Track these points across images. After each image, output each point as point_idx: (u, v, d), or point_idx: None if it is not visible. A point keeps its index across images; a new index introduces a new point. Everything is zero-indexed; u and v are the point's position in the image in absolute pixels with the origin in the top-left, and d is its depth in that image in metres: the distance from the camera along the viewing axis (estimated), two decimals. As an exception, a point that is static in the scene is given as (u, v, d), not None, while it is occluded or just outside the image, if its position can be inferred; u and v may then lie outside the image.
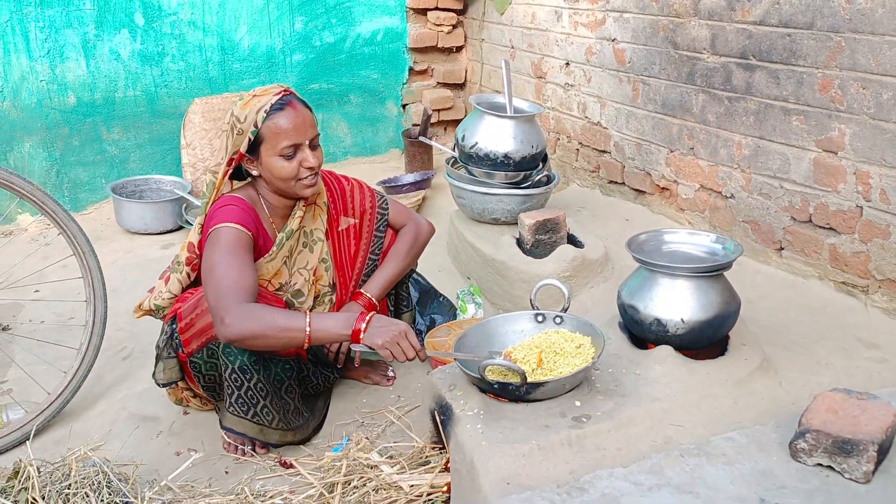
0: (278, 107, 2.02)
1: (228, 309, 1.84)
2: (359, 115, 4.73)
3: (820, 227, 2.55)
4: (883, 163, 2.29)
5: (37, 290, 3.19)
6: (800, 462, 1.56)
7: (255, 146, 2.05)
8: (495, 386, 1.82)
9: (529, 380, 1.80)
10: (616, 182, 3.59)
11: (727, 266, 2.01)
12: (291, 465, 2.10)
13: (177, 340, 2.09)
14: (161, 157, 4.22)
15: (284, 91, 2.06)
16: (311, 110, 2.11)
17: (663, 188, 3.28)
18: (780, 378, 2.06)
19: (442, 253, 3.38)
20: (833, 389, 1.67)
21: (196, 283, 2.22)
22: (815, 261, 2.59)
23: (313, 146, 2.09)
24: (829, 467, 1.53)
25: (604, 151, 3.63)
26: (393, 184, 4.16)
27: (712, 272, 1.99)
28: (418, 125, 4.58)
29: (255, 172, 2.11)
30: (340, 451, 2.13)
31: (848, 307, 2.47)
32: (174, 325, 2.10)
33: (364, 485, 1.96)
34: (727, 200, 2.92)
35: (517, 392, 1.82)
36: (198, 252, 2.15)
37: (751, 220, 2.82)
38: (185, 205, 3.84)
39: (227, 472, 2.11)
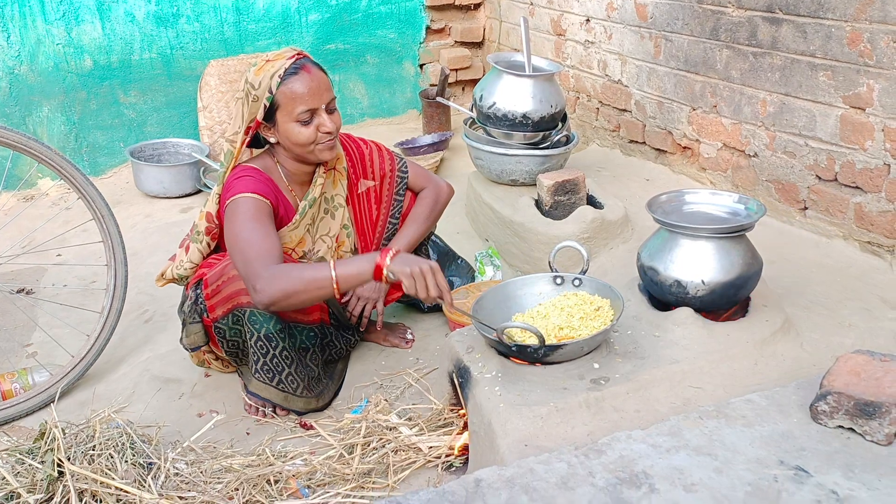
0: (292, 71, 1.99)
1: (258, 275, 1.85)
2: (375, 76, 4.68)
3: (846, 185, 2.49)
4: (913, 119, 2.23)
5: (59, 255, 3.22)
6: (820, 424, 1.55)
7: (270, 113, 2.02)
8: (513, 348, 1.82)
9: (548, 342, 1.79)
10: (636, 142, 3.53)
11: (749, 227, 1.97)
12: (312, 427, 2.12)
13: (202, 305, 2.10)
14: (178, 120, 4.21)
15: (298, 55, 2.03)
16: (325, 73, 2.08)
17: (685, 147, 3.22)
18: (802, 339, 2.04)
19: (460, 215, 3.36)
20: (856, 351, 1.65)
21: (216, 250, 2.23)
22: (839, 220, 2.54)
23: (330, 110, 2.07)
24: (850, 429, 1.52)
25: (624, 110, 3.56)
26: (410, 145, 4.12)
27: (734, 233, 1.96)
28: (436, 85, 4.53)
29: (272, 140, 2.09)
30: (359, 412, 2.15)
31: (873, 267, 2.43)
32: (199, 291, 2.11)
33: (383, 446, 1.98)
34: (750, 159, 2.86)
35: (535, 354, 1.82)
36: (217, 222, 2.15)
37: (774, 180, 2.77)
38: (203, 168, 3.84)
39: (248, 434, 2.14)
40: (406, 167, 2.39)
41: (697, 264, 1.96)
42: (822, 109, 2.51)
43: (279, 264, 1.90)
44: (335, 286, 1.84)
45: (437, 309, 2.63)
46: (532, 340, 1.81)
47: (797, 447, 1.49)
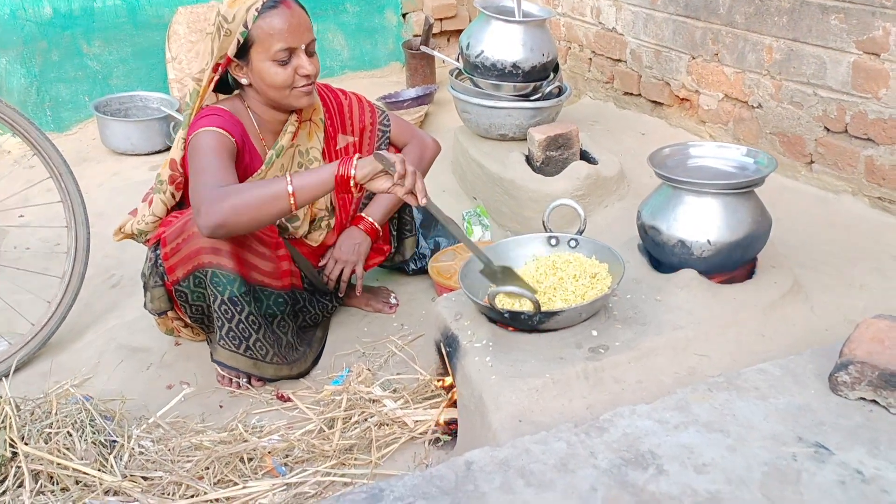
0: (271, 5, 1.82)
1: (205, 198, 1.69)
2: (356, 26, 4.45)
3: (856, 137, 2.35)
4: (932, 65, 2.07)
5: (21, 216, 3.03)
6: (840, 396, 1.42)
7: (244, 49, 1.85)
8: (506, 315, 1.67)
9: (543, 308, 1.65)
10: (631, 94, 3.35)
11: (759, 182, 1.83)
12: (289, 399, 1.98)
13: (161, 268, 1.94)
14: (146, 72, 3.97)
15: None
16: (306, 12, 1.90)
17: (683, 99, 3.05)
18: (812, 303, 1.91)
19: (446, 172, 3.19)
20: (877, 316, 1.52)
21: (181, 205, 2.06)
22: (848, 175, 2.40)
23: (309, 52, 1.89)
24: (874, 402, 1.39)
25: (619, 60, 3.38)
26: (394, 99, 3.93)
27: (743, 189, 1.81)
28: (419, 36, 4.31)
29: (244, 81, 1.91)
30: (340, 383, 2.01)
31: (884, 224, 2.30)
32: (158, 251, 1.94)
33: (366, 420, 1.85)
34: (753, 111, 2.70)
35: (530, 322, 1.67)
36: (181, 170, 1.98)
37: (779, 132, 2.61)
38: (172, 123, 3.63)
39: (221, 407, 2.00)
40: (388, 120, 2.21)
41: (703, 223, 1.82)
42: (834, 55, 2.35)
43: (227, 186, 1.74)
44: (291, 198, 1.68)
45: (422, 272, 2.48)
46: (527, 306, 1.66)
47: (816, 421, 1.37)
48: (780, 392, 1.45)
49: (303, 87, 1.89)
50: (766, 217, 1.88)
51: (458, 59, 3.00)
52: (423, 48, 3.29)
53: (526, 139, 2.74)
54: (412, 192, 1.64)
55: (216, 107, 1.93)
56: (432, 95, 3.96)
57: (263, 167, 1.97)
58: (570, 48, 3.74)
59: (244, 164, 1.93)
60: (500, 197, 2.71)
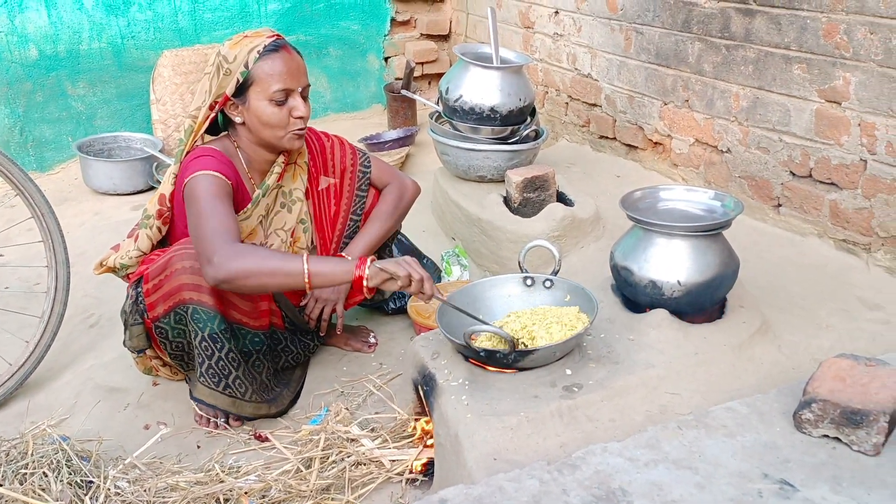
0: (272, 48, 1.90)
1: (216, 248, 1.73)
2: (339, 69, 4.53)
3: (820, 182, 2.43)
4: (890, 113, 2.17)
5: (0, 255, 3.03)
6: (805, 433, 1.47)
7: (242, 88, 1.91)
8: (482, 354, 1.71)
9: (518, 347, 1.68)
10: (607, 137, 3.44)
11: (726, 225, 1.89)
12: (267, 439, 1.99)
13: (142, 305, 1.96)
14: (130, 113, 4.02)
15: (277, 35, 1.94)
16: (303, 59, 1.98)
17: (656, 143, 3.14)
18: (780, 342, 1.96)
19: (426, 212, 3.24)
20: (839, 355, 1.57)
21: (164, 242, 2.08)
22: (814, 218, 2.48)
23: (304, 96, 1.98)
24: (836, 439, 1.44)
25: (594, 105, 3.48)
26: (375, 140, 3.99)
27: (711, 231, 1.87)
28: (401, 79, 4.40)
29: (238, 119, 1.97)
30: (319, 422, 2.02)
31: (849, 266, 2.37)
32: (139, 289, 1.96)
33: (343, 459, 1.86)
34: (723, 155, 2.79)
35: (505, 360, 1.71)
36: (169, 205, 2.01)
37: (747, 176, 2.70)
38: (156, 163, 3.67)
39: (198, 447, 2.00)
40: (369, 162, 2.27)
41: (673, 264, 1.87)
42: (797, 104, 2.44)
43: (241, 243, 1.80)
44: (307, 281, 1.74)
45: (401, 311, 2.52)
46: (502, 346, 1.70)
47: (781, 459, 1.41)
48: (747, 430, 1.49)
49: (297, 129, 1.96)
50: (734, 258, 1.94)
51: (437, 103, 3.07)
52: (404, 92, 3.36)
53: (504, 181, 2.80)
54: (422, 291, 1.74)
55: (208, 147, 1.98)
56: (413, 137, 4.03)
57: (250, 206, 2.01)
58: (547, 92, 3.84)
59: (236, 201, 1.97)
60: (479, 237, 2.76)
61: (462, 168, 2.95)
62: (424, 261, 2.68)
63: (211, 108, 1.95)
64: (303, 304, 2.21)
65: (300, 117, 1.94)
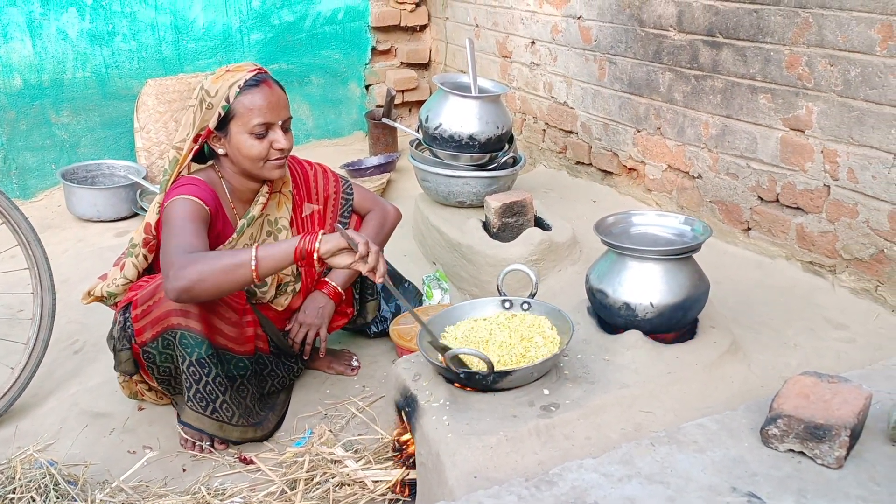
0: (253, 83, 1.96)
1: (173, 262, 1.77)
2: (320, 97, 4.62)
3: (787, 206, 2.53)
4: (850, 141, 2.27)
5: (-17, 282, 3.04)
6: (771, 448, 1.53)
7: (224, 122, 1.97)
8: (461, 375, 1.76)
9: (497, 368, 1.74)
10: (583, 163, 3.54)
11: (696, 248, 1.97)
12: (252, 462, 2.02)
13: (130, 330, 1.99)
14: (113, 141, 4.06)
15: (259, 69, 2.00)
16: (285, 92, 2.04)
17: (630, 169, 3.23)
18: (750, 361, 2.04)
19: (407, 237, 3.31)
20: (804, 373, 1.64)
21: (151, 269, 2.12)
22: (782, 241, 2.57)
23: (285, 128, 2.03)
24: (801, 453, 1.50)
25: (570, 132, 3.58)
26: (357, 167, 4.06)
27: (681, 255, 1.95)
28: (382, 106, 4.48)
29: (220, 151, 2.03)
30: (303, 445, 2.06)
31: (815, 287, 2.46)
32: (127, 314, 2.00)
33: (327, 480, 1.89)
34: (694, 180, 2.89)
35: (484, 381, 1.76)
36: (154, 233, 2.06)
37: (718, 201, 2.79)
38: (139, 191, 3.70)
39: (184, 470, 2.03)
40: (351, 189, 2.33)
41: (646, 287, 1.94)
42: (763, 132, 2.55)
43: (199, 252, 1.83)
44: (254, 268, 1.76)
45: (383, 334, 2.57)
46: (481, 367, 1.75)
47: (749, 473, 1.47)
48: (717, 445, 1.56)
49: (276, 160, 2.01)
50: (704, 280, 2.02)
51: (417, 131, 3.15)
52: (385, 120, 3.44)
53: (483, 206, 2.87)
54: (373, 270, 1.74)
55: (192, 177, 2.03)
56: (394, 163, 4.10)
57: (234, 235, 2.06)
58: (525, 119, 3.94)
59: (216, 231, 2.02)
60: (459, 261, 2.82)
61: (442, 194, 3.02)
62: (406, 284, 2.74)
63: (195, 140, 2.01)
64: (287, 328, 2.25)
65: (280, 149, 2.01)
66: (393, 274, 2.72)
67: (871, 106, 2.18)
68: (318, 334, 2.26)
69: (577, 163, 3.58)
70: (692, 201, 2.91)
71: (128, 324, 1.98)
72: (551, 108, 3.68)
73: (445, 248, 2.91)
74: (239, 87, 1.94)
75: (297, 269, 2.26)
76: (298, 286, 2.27)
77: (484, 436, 1.66)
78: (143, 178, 3.77)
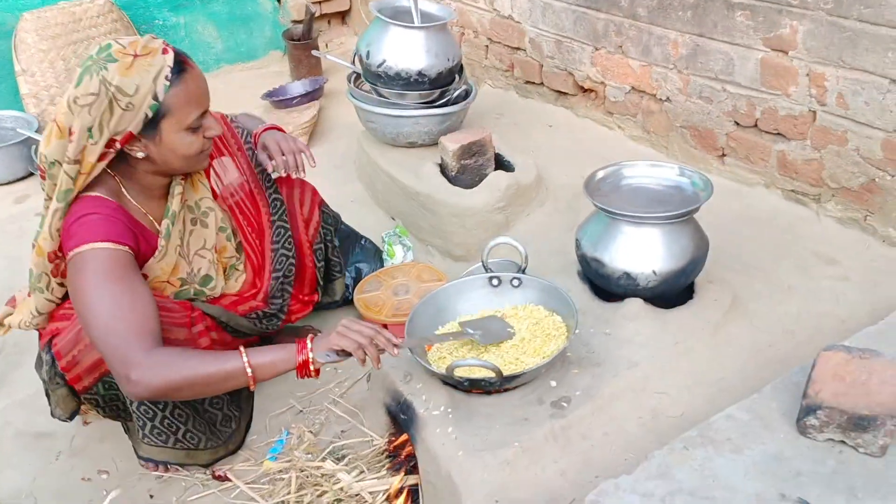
0: (178, 70, 1.57)
1: (131, 362, 1.46)
2: (227, 15, 4.10)
3: (767, 132, 2.38)
4: (841, 63, 2.10)
5: None
6: (809, 438, 1.43)
7: (153, 123, 1.58)
8: (465, 383, 1.58)
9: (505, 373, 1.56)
10: (534, 83, 3.27)
11: (697, 208, 1.80)
12: (227, 478, 1.82)
13: (62, 375, 1.69)
14: (-7, 87, 3.52)
15: (164, 45, 1.58)
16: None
17: (588, 90, 3.00)
18: (751, 315, 1.94)
19: (352, 180, 3.01)
20: (831, 348, 1.53)
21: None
22: (761, 168, 2.44)
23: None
24: (842, 442, 1.41)
25: (517, 49, 3.28)
26: (281, 96, 3.66)
27: (683, 217, 1.78)
28: (299, 22, 4.04)
29: (140, 155, 1.62)
30: (280, 450, 1.87)
31: (798, 217, 2.35)
32: (52, 352, 1.68)
33: (320, 496, 1.72)
34: (662, 104, 2.69)
35: (490, 386, 1.59)
36: (61, 254, 1.67)
37: (690, 126, 2.62)
38: (34, 146, 3.23)
39: (151, 497, 1.81)
40: (250, 137, 2.04)
41: (647, 254, 1.79)
42: (741, 52, 2.35)
43: (162, 348, 1.51)
44: (250, 377, 1.52)
45: (348, 303, 2.34)
46: (487, 374, 1.57)
47: (793, 472, 1.37)
48: (752, 441, 1.44)
49: (209, 148, 1.69)
50: (705, 239, 1.88)
51: (353, 61, 2.80)
52: (315, 52, 3.05)
53: (436, 145, 2.61)
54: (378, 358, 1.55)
55: (90, 197, 1.61)
56: (322, 89, 3.72)
57: (162, 241, 1.71)
58: (463, 33, 3.60)
59: (141, 252, 1.67)
60: (418, 211, 2.58)
61: (390, 135, 2.73)
62: (363, 242, 2.48)
63: (109, 145, 1.58)
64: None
65: (213, 136, 1.68)
66: (348, 233, 2.46)
67: (866, 26, 2.00)
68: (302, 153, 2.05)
69: (527, 82, 3.31)
70: (660, 126, 2.73)
71: (56, 363, 1.67)
72: (494, 21, 3.36)
73: (401, 195, 2.66)
74: (167, 78, 1.55)
75: (237, 243, 1.97)
76: (243, 261, 2.00)
77: (498, 450, 1.51)
78: (36, 130, 3.28)
